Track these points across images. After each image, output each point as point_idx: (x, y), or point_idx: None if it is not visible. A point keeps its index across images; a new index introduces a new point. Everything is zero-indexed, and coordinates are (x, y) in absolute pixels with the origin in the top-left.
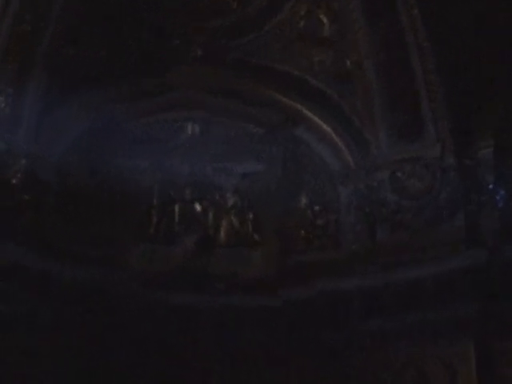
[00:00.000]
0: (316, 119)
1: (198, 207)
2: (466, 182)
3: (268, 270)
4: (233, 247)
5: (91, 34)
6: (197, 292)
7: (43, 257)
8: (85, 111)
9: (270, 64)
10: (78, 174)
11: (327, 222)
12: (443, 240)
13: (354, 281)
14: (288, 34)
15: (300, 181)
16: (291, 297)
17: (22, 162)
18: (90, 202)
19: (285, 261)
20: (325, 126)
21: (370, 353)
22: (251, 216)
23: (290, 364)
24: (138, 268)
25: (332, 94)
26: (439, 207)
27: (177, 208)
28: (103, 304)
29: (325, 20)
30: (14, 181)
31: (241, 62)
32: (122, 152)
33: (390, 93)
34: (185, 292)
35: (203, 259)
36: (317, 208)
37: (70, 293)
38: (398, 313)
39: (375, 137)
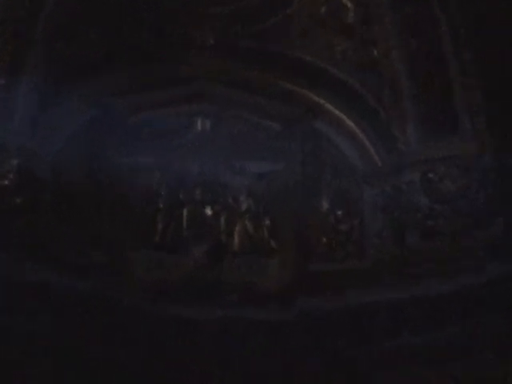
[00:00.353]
0: (338, 112)
1: (208, 211)
2: (506, 183)
3: (286, 280)
4: (247, 255)
5: (90, 22)
6: (207, 304)
7: (39, 265)
8: (84, 105)
9: (288, 53)
10: (76, 174)
11: (351, 228)
12: (479, 248)
13: (381, 293)
14: (308, 20)
15: (321, 181)
16: (310, 310)
17: (14, 161)
18: (89, 205)
19: (304, 270)
20: (348, 120)
21: (396, 372)
22: (267, 221)
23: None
24: (142, 278)
25: (356, 85)
26: (476, 212)
27: (185, 212)
28: (104, 317)
29: (349, 5)
30: (5, 182)
31: (256, 51)
32: (124, 149)
33: (420, 83)
34: (194, 305)
35: (214, 269)
36: (339, 212)
37: (69, 303)
38: (427, 328)
39: (404, 132)
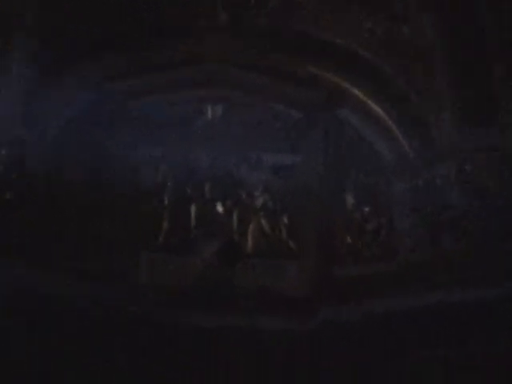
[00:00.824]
0: (365, 99)
1: (219, 208)
2: None
3: (305, 285)
4: (263, 257)
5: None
6: (219, 311)
7: (33, 271)
8: (82, 90)
9: (309, 32)
10: (72, 167)
11: (379, 227)
12: None
13: (411, 300)
14: None
15: (345, 175)
16: (333, 318)
17: (2, 151)
18: (86, 202)
19: (326, 274)
20: (376, 107)
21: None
22: (285, 219)
23: None
24: (146, 283)
25: (385, 68)
26: None
27: (193, 209)
28: (105, 327)
29: None
30: None
31: (273, 30)
32: (126, 139)
33: (457, 67)
34: (204, 311)
35: (226, 272)
36: (366, 209)
37: (69, 311)
38: (463, 340)
39: (438, 120)
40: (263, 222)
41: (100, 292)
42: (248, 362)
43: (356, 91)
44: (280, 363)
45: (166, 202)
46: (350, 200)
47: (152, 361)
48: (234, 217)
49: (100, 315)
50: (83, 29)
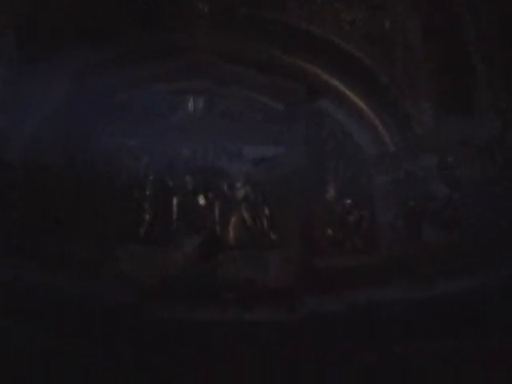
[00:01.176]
0: (346, 90)
1: (201, 200)
2: None
3: (287, 276)
4: (244, 249)
5: None
6: (201, 304)
7: (11, 263)
8: (62, 78)
9: (290, 23)
10: (52, 159)
11: (360, 219)
12: (505, 243)
13: (394, 292)
14: None
15: (326, 167)
16: (315, 310)
17: None
18: (66, 193)
19: (308, 266)
20: (356, 99)
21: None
22: (267, 211)
23: None
24: (126, 276)
25: (365, 60)
26: (500, 201)
27: (175, 201)
28: (86, 320)
29: None
30: None
31: (255, 20)
32: (107, 130)
33: (437, 57)
34: (186, 304)
35: (208, 264)
36: (347, 201)
37: (49, 304)
38: (447, 333)
39: (419, 111)
40: (245, 213)
41: (80, 284)
42: (235, 355)
43: (337, 83)
44: (268, 355)
45: (148, 194)
46: (331, 192)
47: (133, 355)
48: (216, 209)
49: (79, 307)
50: (63, 17)
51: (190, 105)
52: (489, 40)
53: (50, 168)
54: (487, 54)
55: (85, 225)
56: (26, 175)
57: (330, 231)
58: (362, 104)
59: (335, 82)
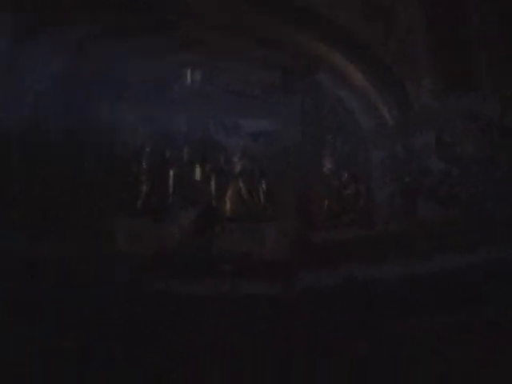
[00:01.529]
0: (343, 64)
1: (197, 172)
2: None
3: (284, 250)
4: (241, 222)
5: None
6: (197, 277)
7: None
8: (58, 52)
9: None
10: (48, 132)
11: (357, 193)
12: (501, 220)
13: (390, 267)
14: None
15: (323, 141)
16: (311, 283)
17: None
18: (63, 167)
19: (304, 239)
20: (354, 73)
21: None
22: (263, 184)
23: (304, 367)
24: (124, 249)
25: (363, 34)
26: (497, 178)
27: (172, 173)
28: (82, 294)
29: None
30: None
31: None
32: (104, 103)
33: (436, 33)
34: (183, 277)
35: (204, 237)
36: (344, 175)
37: (47, 276)
38: (443, 309)
39: (417, 87)
40: (241, 186)
41: (76, 255)
42: (230, 328)
43: (335, 57)
44: (260, 326)
45: (144, 166)
46: (327, 166)
47: (132, 328)
48: (212, 182)
49: (74, 280)
50: None
51: (188, 77)
52: (492, 21)
53: (47, 143)
54: (490, 34)
55: (81, 198)
56: (22, 153)
57: (326, 204)
58: (359, 78)
59: (333, 57)
